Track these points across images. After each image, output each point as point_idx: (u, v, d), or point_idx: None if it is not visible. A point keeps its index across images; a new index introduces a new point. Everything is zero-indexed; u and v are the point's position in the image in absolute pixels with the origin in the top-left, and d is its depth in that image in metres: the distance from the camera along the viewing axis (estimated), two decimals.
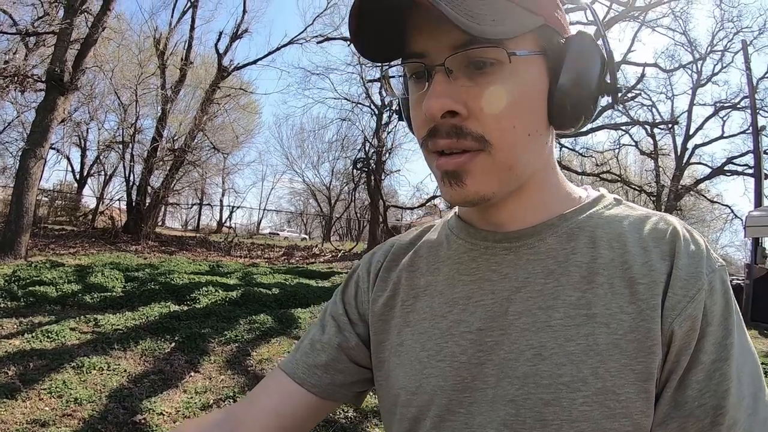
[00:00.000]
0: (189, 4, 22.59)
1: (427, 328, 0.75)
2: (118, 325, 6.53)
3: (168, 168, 21.49)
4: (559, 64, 0.67)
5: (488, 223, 0.76)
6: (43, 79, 13.94)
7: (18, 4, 17.56)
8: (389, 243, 0.91)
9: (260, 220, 40.91)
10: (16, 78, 15.75)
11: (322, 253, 20.90)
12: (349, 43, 19.63)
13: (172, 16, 22.68)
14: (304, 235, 40.43)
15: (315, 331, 0.87)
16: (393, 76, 0.74)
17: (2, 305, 7.32)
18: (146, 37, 21.63)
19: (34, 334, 5.83)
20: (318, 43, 19.68)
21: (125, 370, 5.01)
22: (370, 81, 21.62)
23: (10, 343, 5.51)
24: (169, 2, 22.55)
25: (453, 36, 0.62)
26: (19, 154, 14.54)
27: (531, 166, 0.70)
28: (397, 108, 0.81)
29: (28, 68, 16.97)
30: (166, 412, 4.17)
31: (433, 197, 19.47)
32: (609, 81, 0.70)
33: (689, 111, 24.32)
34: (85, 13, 14.06)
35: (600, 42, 0.70)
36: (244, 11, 22.83)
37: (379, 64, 0.75)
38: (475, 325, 0.71)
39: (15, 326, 6.20)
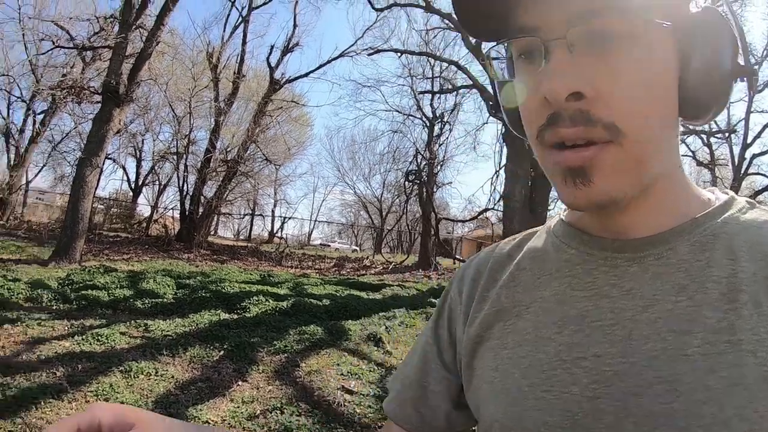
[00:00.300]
0: (241, 20, 23.17)
1: (530, 351, 0.64)
2: (167, 331, 6.52)
3: (221, 178, 21.96)
4: (691, 42, 0.57)
5: (606, 230, 0.65)
6: (100, 91, 14.33)
7: (74, 20, 18.24)
8: (484, 255, 0.80)
9: (311, 231, 41.37)
10: (73, 90, 16.27)
11: (373, 265, 20.83)
12: (400, 55, 19.69)
13: (224, 31, 23.34)
14: (354, 247, 40.66)
15: (408, 362, 0.83)
16: (496, 58, 0.66)
17: (55, 307, 7.47)
18: (199, 51, 22.17)
19: (84, 336, 5.84)
20: (369, 55, 19.80)
21: (173, 376, 4.95)
22: (421, 93, 21.71)
23: (60, 345, 5.54)
24: (221, 17, 23.21)
25: (573, 4, 0.53)
26: (76, 163, 14.92)
27: (661, 162, 0.60)
28: (492, 100, 0.72)
29: (84, 81, 17.57)
30: (212, 421, 4.08)
31: (485, 210, 19.18)
32: (742, 62, 0.58)
33: (746, 119, 23.07)
34: (140, 29, 14.44)
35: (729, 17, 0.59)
36: (295, 25, 23.32)
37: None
38: (591, 350, 0.59)
39: (66, 328, 6.24)
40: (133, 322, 6.77)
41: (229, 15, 23.39)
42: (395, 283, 13.82)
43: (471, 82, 16.58)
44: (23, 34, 21.75)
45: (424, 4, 16.53)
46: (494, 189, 17.49)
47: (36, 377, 4.48)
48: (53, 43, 17.23)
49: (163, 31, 14.63)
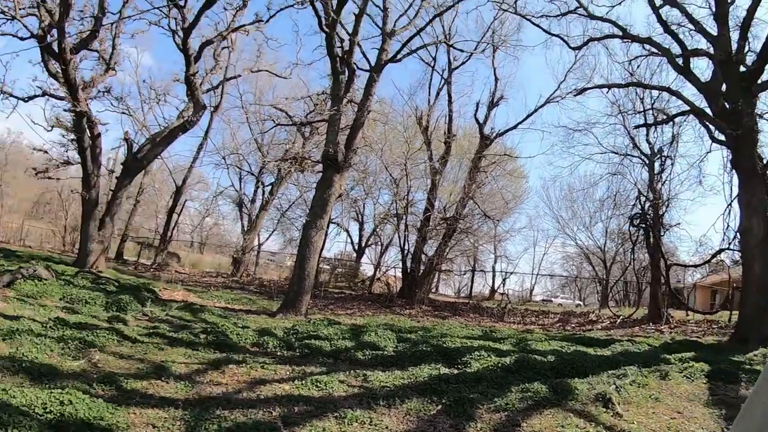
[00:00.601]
0: (443, 82, 23.92)
1: None
2: (386, 382, 6.41)
3: (441, 237, 22.29)
4: None
5: None
6: (320, 160, 15.49)
7: (290, 101, 20.54)
8: None
9: (533, 287, 40.02)
10: (295, 161, 17.88)
11: (600, 320, 19.23)
12: (607, 90, 18.60)
13: (429, 94, 24.49)
14: (578, 302, 38.37)
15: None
16: None
17: (279, 353, 7.84)
18: (408, 116, 23.34)
19: (303, 381, 5.97)
20: (574, 96, 19.01)
21: (387, 427, 4.78)
22: (635, 128, 20.07)
23: (280, 387, 5.70)
24: (425, 82, 24.44)
25: None
26: (303, 225, 16.15)
27: None
28: None
29: (305, 152, 19.37)
30: None
31: (719, 251, 16.71)
32: None
33: None
34: (351, 102, 15.43)
35: None
36: (496, 79, 23.61)
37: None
38: None
39: (287, 373, 6.45)
40: (352, 371, 6.79)
41: (431, 79, 24.60)
42: (624, 338, 12.46)
43: (687, 108, 14.92)
44: (247, 118, 25.48)
45: (621, 33, 15.48)
46: (727, 226, 15.33)
47: (252, 414, 4.62)
48: (274, 122, 19.39)
49: (372, 101, 15.57)
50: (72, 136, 20.19)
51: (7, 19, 17.15)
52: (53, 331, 7.59)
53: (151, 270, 25.48)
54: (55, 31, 17.19)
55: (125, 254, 31.21)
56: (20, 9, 16.85)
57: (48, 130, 19.62)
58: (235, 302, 15.11)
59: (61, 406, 4.20)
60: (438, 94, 24.36)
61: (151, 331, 8.71)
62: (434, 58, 23.87)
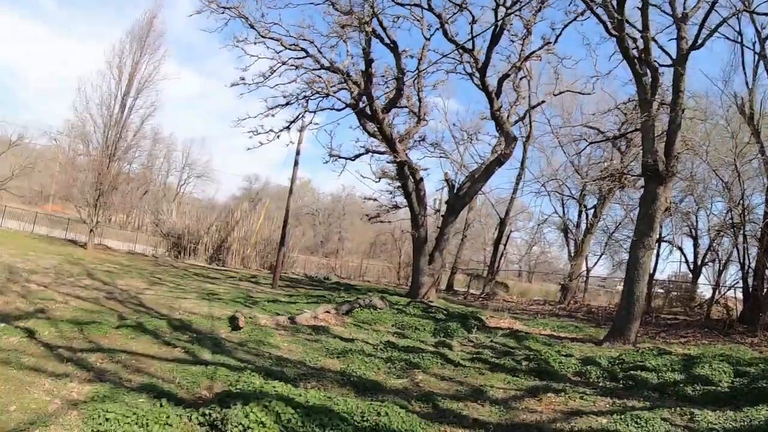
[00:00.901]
0: (757, 57, 20.09)
1: None
2: (714, 424, 5.92)
3: None
4: None
5: None
6: (639, 173, 14.75)
7: (598, 117, 19.82)
8: None
9: None
10: (614, 177, 17.30)
11: None
12: None
13: (745, 76, 20.52)
14: None
15: None
16: None
17: (600, 384, 7.82)
18: (728, 106, 20.19)
19: (623, 416, 5.91)
20: None
21: None
22: None
23: (596, 420, 5.79)
24: (737, 64, 20.87)
25: None
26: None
27: None
28: None
29: (624, 167, 18.55)
30: None
31: None
32: None
33: None
34: (662, 104, 14.53)
35: None
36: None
37: None
38: None
39: (607, 405, 6.45)
40: (678, 408, 6.45)
41: (743, 57, 20.47)
42: None
43: None
44: (559, 141, 25.67)
45: None
46: None
47: None
48: (587, 141, 19.12)
49: (683, 98, 14.29)
50: (397, 184, 23.38)
51: (323, 97, 20.89)
52: (382, 353, 8.90)
53: (480, 299, 27.04)
54: (364, 98, 20.16)
55: (455, 285, 33.83)
56: (331, 87, 20.52)
57: (376, 181, 23.41)
58: (561, 329, 15.23)
59: (377, 417, 4.99)
60: (755, 72, 20.72)
61: (474, 356, 9.49)
62: (739, 33, 20.22)
